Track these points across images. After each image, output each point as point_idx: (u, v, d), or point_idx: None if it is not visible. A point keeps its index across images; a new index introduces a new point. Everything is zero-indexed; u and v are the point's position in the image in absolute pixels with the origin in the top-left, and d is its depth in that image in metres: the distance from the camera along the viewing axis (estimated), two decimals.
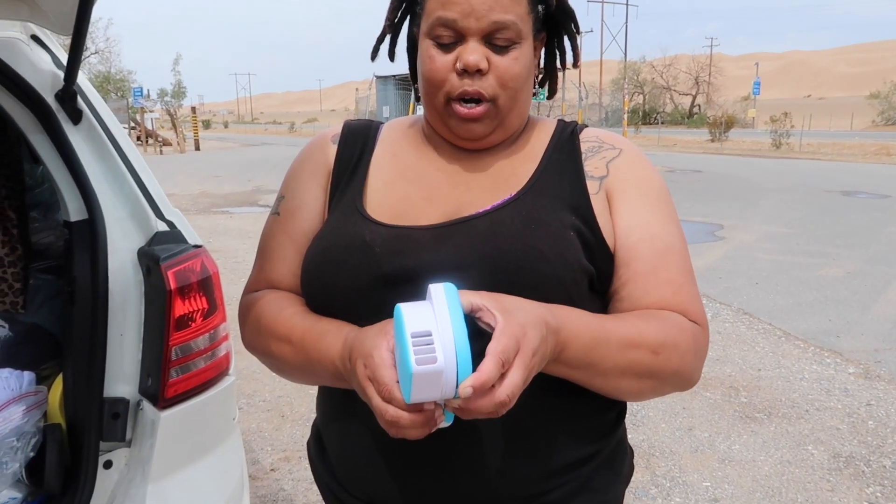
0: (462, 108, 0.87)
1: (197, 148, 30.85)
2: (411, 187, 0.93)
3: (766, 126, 29.48)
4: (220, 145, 37.44)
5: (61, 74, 1.45)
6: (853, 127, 48.64)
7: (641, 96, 61.19)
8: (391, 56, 0.99)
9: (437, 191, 0.91)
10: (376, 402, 0.70)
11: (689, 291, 0.88)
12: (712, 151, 25.88)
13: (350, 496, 0.94)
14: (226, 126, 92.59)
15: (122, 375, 1.39)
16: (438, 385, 0.65)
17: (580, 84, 39.29)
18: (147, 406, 1.37)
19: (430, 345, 0.65)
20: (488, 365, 0.65)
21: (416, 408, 0.68)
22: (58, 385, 1.47)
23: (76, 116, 1.45)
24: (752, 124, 46.04)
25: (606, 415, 0.93)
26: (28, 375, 1.44)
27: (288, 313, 0.90)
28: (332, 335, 0.83)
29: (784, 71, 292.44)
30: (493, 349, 0.66)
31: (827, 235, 8.31)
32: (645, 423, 3.43)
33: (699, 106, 62.66)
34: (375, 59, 1.01)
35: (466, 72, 0.85)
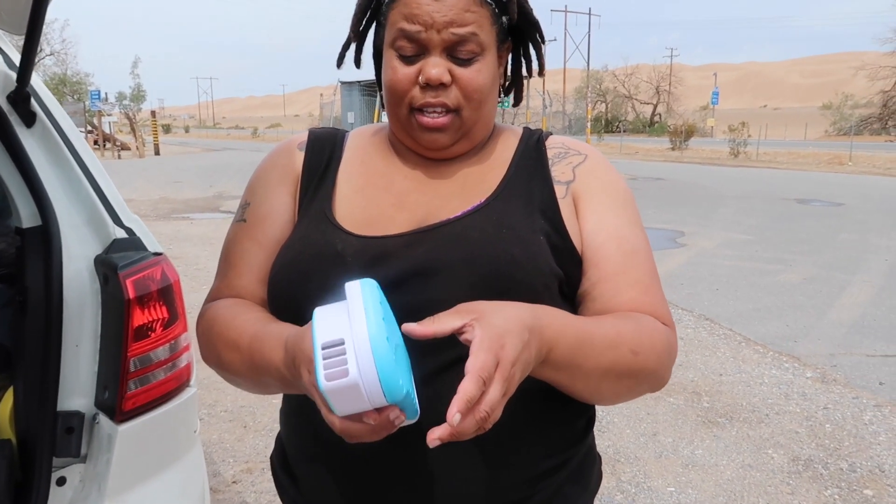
0: (425, 118, 0.87)
1: (157, 153, 30.25)
2: (380, 195, 0.92)
3: (725, 135, 30.20)
4: (180, 150, 36.80)
5: (13, 75, 1.40)
6: (807, 136, 50.15)
7: (604, 105, 62.08)
8: (357, 63, 0.98)
9: (406, 198, 0.91)
10: (323, 412, 0.66)
11: (657, 294, 0.89)
12: (673, 160, 26.38)
13: None
14: (187, 130, 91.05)
15: (77, 388, 1.34)
16: (361, 397, 0.59)
17: (544, 92, 39.70)
18: (103, 420, 1.32)
19: (342, 356, 0.59)
20: (468, 384, 0.62)
21: (358, 416, 0.64)
22: (8, 399, 1.41)
23: (29, 119, 1.40)
24: (711, 133, 47.07)
25: (577, 422, 0.93)
26: None
27: (241, 319, 0.87)
28: (273, 340, 0.79)
29: (741, 81, 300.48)
30: (472, 367, 0.63)
31: (784, 242, 8.52)
32: (610, 428, 3.45)
33: (660, 115, 63.85)
34: (341, 66, 1.00)
35: (429, 85, 0.85)
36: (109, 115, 29.40)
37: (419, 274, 0.82)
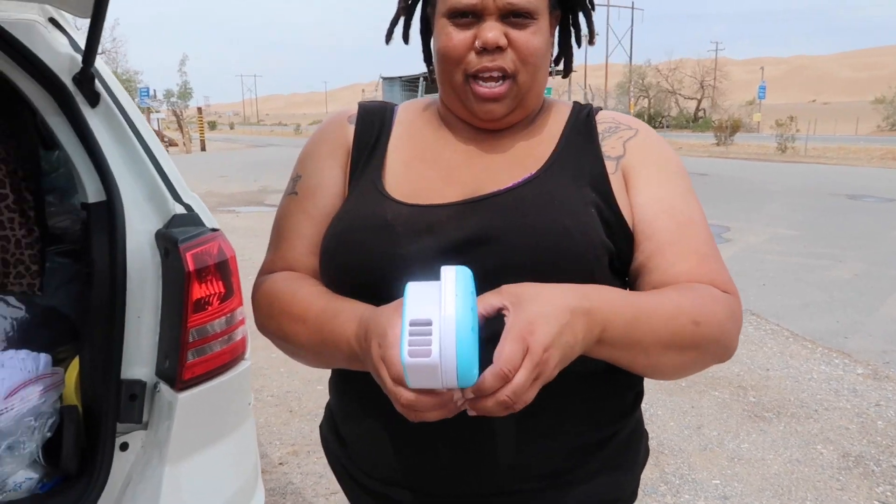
0: (482, 89, 0.87)
1: (203, 148, 30.90)
2: (429, 168, 0.92)
3: (772, 130, 29.43)
4: (225, 146, 37.53)
5: (79, 57, 1.46)
6: (858, 132, 48.54)
7: (647, 100, 61.13)
8: (405, 38, 0.98)
9: (455, 171, 0.91)
10: (389, 384, 0.68)
11: (715, 262, 0.87)
12: (718, 155, 25.84)
13: (367, 476, 0.94)
14: (231, 127, 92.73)
15: (138, 358, 1.39)
16: (436, 377, 0.62)
17: (586, 87, 39.25)
18: (164, 388, 1.37)
19: (428, 336, 0.61)
20: (488, 375, 0.64)
21: (429, 391, 0.66)
22: (73, 368, 1.47)
23: (94, 99, 1.46)
24: (757, 128, 45.98)
25: (625, 396, 0.94)
26: (44, 357, 1.44)
27: (303, 293, 0.89)
28: (346, 314, 0.81)
29: (789, 75, 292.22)
30: (496, 356, 0.65)
31: (833, 238, 8.28)
32: (654, 420, 3.41)
33: (704, 110, 62.56)
34: (390, 41, 1.00)
35: (486, 50, 0.85)
36: (158, 111, 30.16)
37: (470, 243, 0.82)
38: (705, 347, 0.81)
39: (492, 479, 0.86)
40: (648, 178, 0.90)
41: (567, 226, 0.82)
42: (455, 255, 0.81)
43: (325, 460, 3.34)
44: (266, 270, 0.99)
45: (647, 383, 3.56)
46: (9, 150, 1.54)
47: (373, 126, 0.98)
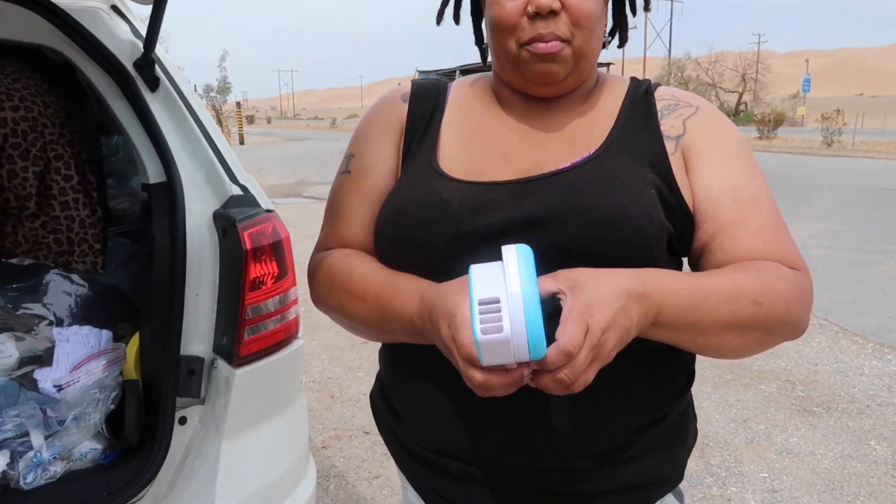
0: (540, 46, 0.85)
1: (241, 142, 31.39)
2: (485, 146, 0.91)
3: (817, 124, 28.66)
4: (263, 140, 38.06)
5: (139, 44, 1.49)
6: None
7: None
8: (456, 19, 0.98)
9: (511, 149, 0.90)
10: (461, 364, 0.69)
11: (782, 239, 0.85)
12: (760, 149, 25.26)
13: (418, 445, 0.94)
14: (269, 122, 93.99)
15: (196, 335, 1.42)
16: (508, 351, 0.64)
17: None
18: (221, 364, 1.40)
19: (497, 313, 0.63)
20: (552, 351, 0.65)
21: (501, 368, 0.67)
22: (133, 344, 1.52)
23: (154, 84, 1.49)
24: (801, 122, 44.83)
25: (676, 379, 0.93)
26: (106, 333, 1.49)
27: (361, 270, 0.90)
28: (406, 291, 0.82)
29: (835, 68, 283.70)
30: (558, 335, 0.66)
31: (883, 233, 8.02)
32: (698, 413, 3.33)
33: (746, 103, 61.26)
34: (440, 22, 0.99)
35: (539, 15, 0.83)
36: None
37: (529, 223, 0.81)
38: (769, 327, 0.79)
39: (544, 454, 0.86)
40: (710, 159, 0.87)
41: (627, 207, 0.81)
42: (513, 234, 0.80)
43: (366, 444, 3.40)
44: (321, 248, 1.00)
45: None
46: (73, 133, 1.58)
47: (426, 104, 0.97)
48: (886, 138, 29.32)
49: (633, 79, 0.97)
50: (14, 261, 1.53)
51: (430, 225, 0.84)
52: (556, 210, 0.81)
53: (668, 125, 0.90)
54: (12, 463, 1.29)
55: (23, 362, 1.41)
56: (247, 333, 1.38)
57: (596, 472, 0.87)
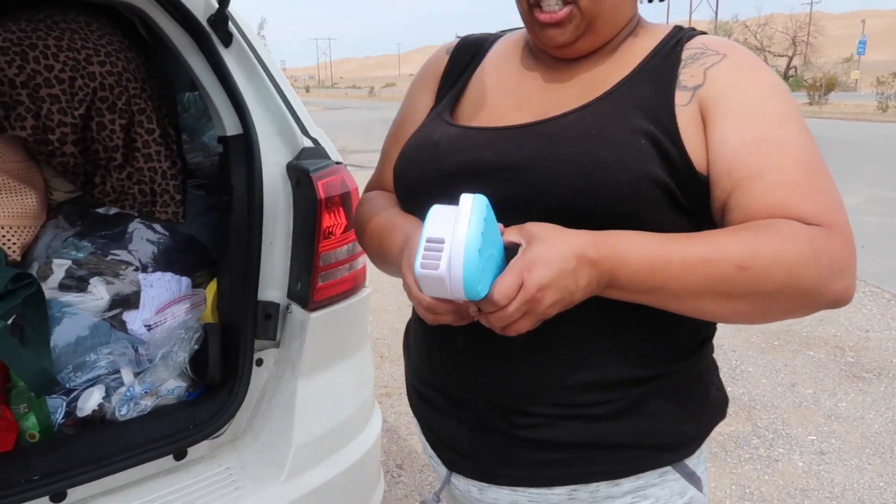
0: (542, 14, 0.83)
1: None
2: (506, 95, 0.91)
3: (871, 88, 27.52)
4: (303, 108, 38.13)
5: (214, 1, 1.54)
6: None
7: None
8: None
9: (527, 99, 0.89)
10: (413, 291, 0.74)
11: (808, 190, 0.74)
12: (811, 115, 24.41)
13: (414, 377, 1.00)
14: (307, 90, 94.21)
15: (271, 281, 1.49)
16: (445, 288, 0.69)
17: None
18: (296, 309, 1.47)
19: (438, 252, 0.68)
20: (483, 300, 0.69)
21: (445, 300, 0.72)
22: (210, 290, 1.60)
23: (227, 39, 1.54)
24: (854, 87, 43.13)
25: (677, 338, 0.86)
26: (186, 280, 1.57)
27: (377, 210, 0.97)
28: (399, 229, 0.87)
29: (892, 30, 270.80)
30: (494, 284, 0.69)
31: None
32: (744, 377, 3.37)
33: (796, 68, 59.08)
34: None
35: None
36: None
37: (502, 168, 0.81)
38: (766, 294, 0.72)
39: (509, 394, 0.85)
40: (731, 107, 0.79)
41: (602, 157, 0.77)
42: (486, 177, 0.82)
43: None
44: (366, 190, 1.08)
45: (737, 340, 3.55)
46: (153, 88, 1.65)
47: (465, 56, 1.00)
48: None
49: (676, 27, 0.90)
50: (101, 210, 1.62)
51: (420, 164, 0.89)
52: (526, 157, 0.80)
53: (688, 75, 0.82)
54: (108, 396, 1.39)
55: (113, 304, 1.51)
56: (320, 280, 1.44)
57: (561, 423, 0.84)
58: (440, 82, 1.00)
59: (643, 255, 0.73)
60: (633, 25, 0.89)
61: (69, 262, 1.53)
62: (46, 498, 1.21)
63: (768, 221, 0.73)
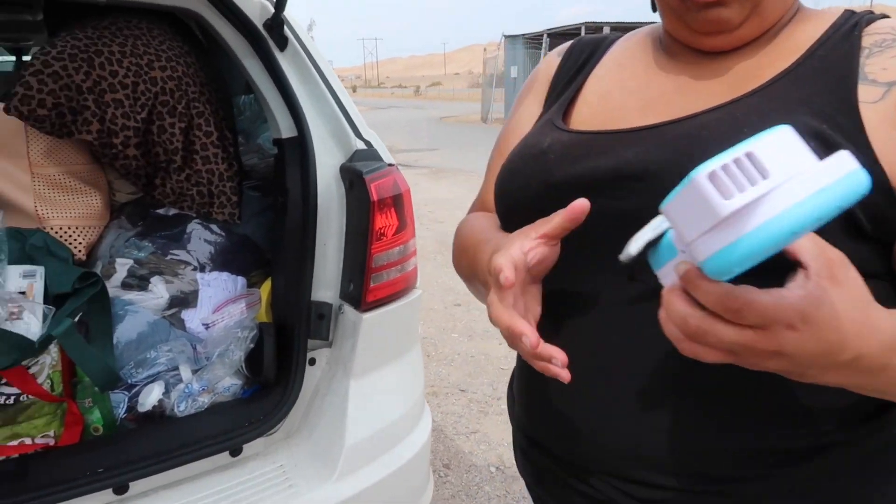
0: None
1: None
2: (629, 97, 0.78)
3: None
4: None
5: (269, 5, 1.57)
6: None
7: None
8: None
9: (657, 100, 0.75)
10: (495, 309, 0.63)
11: None
12: None
13: (519, 433, 0.86)
14: (354, 90, 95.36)
15: (324, 282, 1.51)
16: (699, 228, 0.44)
17: None
18: (348, 309, 1.48)
19: (752, 178, 0.43)
20: (714, 287, 0.47)
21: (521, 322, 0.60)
22: (264, 290, 1.63)
23: (282, 43, 1.57)
24: None
25: (848, 395, 0.58)
26: (241, 279, 1.61)
27: (473, 228, 0.86)
28: (491, 244, 0.73)
29: None
30: (749, 291, 0.46)
31: None
32: None
33: None
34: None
35: None
36: None
37: (621, 176, 0.67)
38: None
39: (615, 456, 0.70)
40: None
41: None
42: (603, 189, 0.67)
43: (462, 402, 3.46)
44: (469, 211, 0.96)
45: None
46: (211, 92, 1.69)
47: (580, 57, 0.88)
48: None
49: (847, 11, 0.74)
50: (161, 211, 1.67)
51: (524, 175, 0.76)
52: (654, 162, 0.65)
53: (878, 66, 0.65)
54: (167, 392, 1.43)
55: (172, 303, 1.55)
56: (372, 281, 1.45)
57: (684, 499, 0.67)
58: (550, 87, 0.88)
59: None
60: (795, 9, 0.74)
61: (131, 262, 1.58)
62: (110, 490, 1.25)
63: None
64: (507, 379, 3.20)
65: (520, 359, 0.82)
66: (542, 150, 0.76)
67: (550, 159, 0.74)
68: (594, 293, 0.70)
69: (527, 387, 0.81)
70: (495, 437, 2.86)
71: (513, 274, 0.61)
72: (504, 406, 3.08)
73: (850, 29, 0.69)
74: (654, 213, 0.56)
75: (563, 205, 0.64)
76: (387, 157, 1.56)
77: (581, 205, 0.62)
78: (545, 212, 0.66)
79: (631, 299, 0.67)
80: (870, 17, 0.71)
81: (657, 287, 0.54)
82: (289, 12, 1.64)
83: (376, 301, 1.47)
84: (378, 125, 21.51)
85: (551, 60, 0.92)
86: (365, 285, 1.44)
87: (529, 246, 0.64)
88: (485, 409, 3.09)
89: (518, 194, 0.76)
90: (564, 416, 0.73)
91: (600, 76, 0.84)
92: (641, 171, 0.66)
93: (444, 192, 8.61)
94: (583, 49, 0.89)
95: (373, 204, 1.42)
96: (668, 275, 0.53)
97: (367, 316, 1.45)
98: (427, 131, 19.52)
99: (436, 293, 4.66)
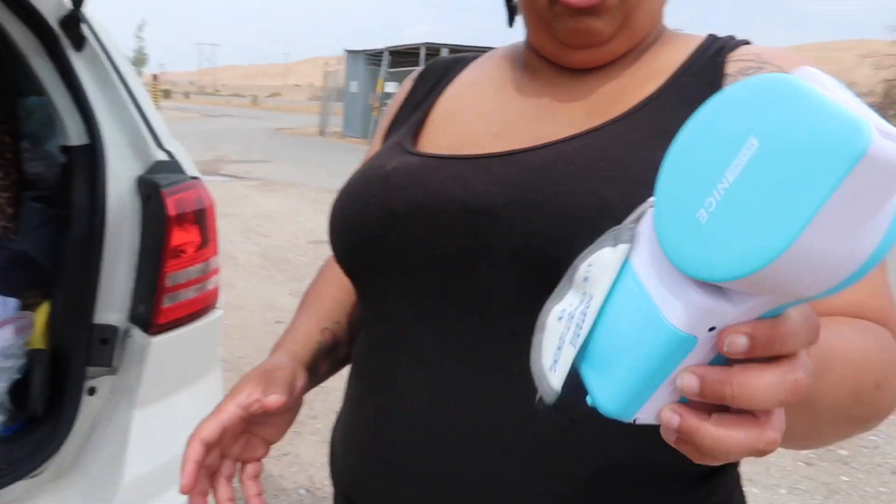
0: None
1: None
2: (481, 121, 0.72)
3: None
4: (180, 115, 36.57)
5: (66, 1, 1.44)
6: None
7: None
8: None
9: (513, 124, 0.69)
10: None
11: (887, 295, 0.58)
12: None
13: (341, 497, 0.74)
14: (187, 97, 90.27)
15: (111, 303, 1.39)
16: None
17: None
18: (137, 333, 1.38)
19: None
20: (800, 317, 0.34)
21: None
22: (41, 313, 1.47)
23: (79, 42, 1.44)
24: None
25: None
26: (13, 301, 1.43)
27: (322, 280, 0.85)
28: (294, 326, 0.79)
29: None
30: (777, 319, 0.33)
31: None
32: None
33: None
34: (512, 24, 0.81)
35: None
36: None
37: (467, 209, 0.60)
38: (873, 421, 0.53)
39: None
40: None
41: (606, 197, 0.55)
42: (447, 221, 0.61)
43: None
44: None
45: None
46: None
47: (431, 79, 0.83)
48: None
49: (711, 36, 0.71)
50: None
51: (366, 200, 0.67)
52: (503, 197, 0.59)
53: None
54: None
55: None
56: (165, 301, 1.36)
57: None
58: (398, 110, 0.81)
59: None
60: (660, 30, 0.71)
61: None
62: None
63: (873, 327, 0.54)
64: (324, 396, 3.16)
65: (348, 403, 0.72)
66: (387, 172, 0.68)
67: (394, 183, 0.66)
68: (430, 343, 0.62)
69: (357, 444, 0.68)
70: (307, 457, 2.80)
71: (191, 479, 0.62)
72: (319, 425, 3.02)
73: (714, 54, 0.67)
74: (499, 253, 0.54)
75: (404, 237, 0.61)
76: (190, 169, 1.48)
77: (272, 402, 0.64)
78: (384, 246, 0.63)
79: (476, 350, 0.60)
80: (733, 43, 0.69)
81: (512, 334, 0.53)
82: (89, 9, 1.51)
83: (169, 323, 1.38)
84: (210, 134, 20.58)
85: (406, 85, 0.86)
86: (157, 306, 1.35)
87: (230, 419, 0.65)
88: (299, 429, 3.00)
89: (355, 220, 0.67)
90: (392, 481, 0.63)
91: (451, 97, 0.78)
92: (488, 205, 0.59)
93: (274, 206, 8.36)
94: (436, 70, 0.84)
95: (169, 219, 1.33)
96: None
97: (158, 339, 1.35)
98: (261, 142, 18.89)
99: (256, 310, 4.49)
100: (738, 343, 0.31)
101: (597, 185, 0.57)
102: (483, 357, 0.59)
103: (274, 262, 5.75)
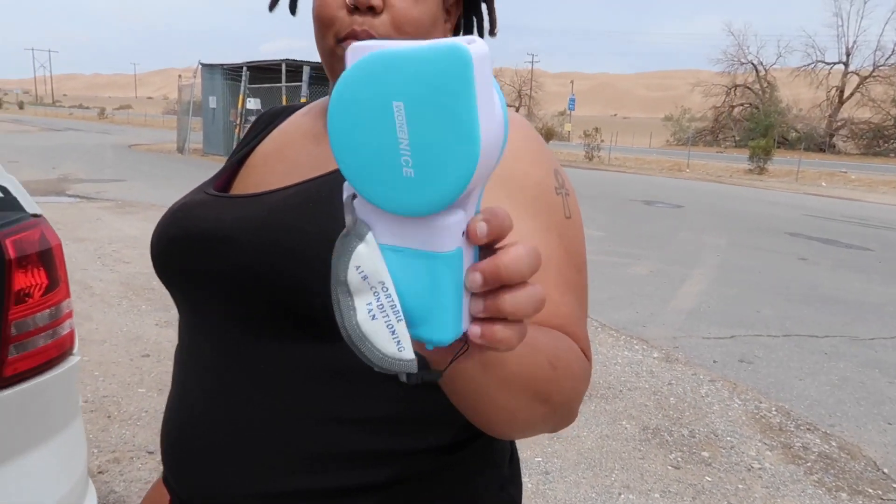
0: (353, 42, 0.69)
1: None
2: (280, 165, 0.82)
3: (581, 140, 32.08)
4: (14, 128, 33.36)
5: None
6: (652, 144, 54.36)
7: None
8: (292, 9, 0.86)
9: (300, 168, 0.79)
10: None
11: (571, 314, 0.68)
12: None
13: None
14: (21, 107, 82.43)
15: None
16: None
17: None
18: None
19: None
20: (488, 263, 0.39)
21: None
22: None
23: None
24: (568, 137, 49.73)
25: (410, 431, 0.71)
26: None
27: None
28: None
29: (595, 90, 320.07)
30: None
31: (633, 238, 9.24)
32: None
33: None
34: (273, 8, 0.87)
35: (357, 8, 0.73)
36: None
37: (212, 238, 0.73)
38: (556, 402, 0.61)
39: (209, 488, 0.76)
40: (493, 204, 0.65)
41: (304, 228, 0.68)
42: (196, 248, 0.74)
43: (151, 465, 3.19)
44: None
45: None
46: None
47: (259, 126, 0.92)
48: (634, 155, 33.67)
49: None
50: None
51: (158, 231, 0.80)
52: (225, 228, 0.72)
53: None
54: None
55: None
56: (11, 352, 1.23)
57: None
58: (237, 148, 0.90)
59: None
60: None
61: None
62: None
63: (551, 329, 0.64)
64: None
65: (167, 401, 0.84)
66: (179, 206, 0.81)
67: (177, 217, 0.79)
68: (208, 352, 0.75)
69: (166, 434, 0.82)
70: None
71: None
72: None
73: None
74: (228, 274, 0.69)
75: (178, 259, 0.74)
76: (30, 206, 1.35)
77: None
78: (171, 263, 0.76)
79: (248, 360, 0.72)
80: None
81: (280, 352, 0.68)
82: None
83: (17, 375, 1.25)
84: (53, 150, 18.97)
85: (249, 127, 0.96)
86: (2, 357, 1.22)
87: None
88: None
89: (155, 244, 0.80)
90: (186, 461, 0.78)
91: (268, 143, 0.88)
92: (225, 234, 0.72)
93: (132, 230, 7.82)
94: (266, 118, 0.94)
95: (9, 262, 1.21)
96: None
97: (5, 394, 1.22)
98: (113, 159, 17.60)
99: (120, 344, 4.17)
100: (482, 227, 0.39)
101: (297, 219, 0.69)
102: (252, 366, 0.72)
103: (137, 291, 5.36)
